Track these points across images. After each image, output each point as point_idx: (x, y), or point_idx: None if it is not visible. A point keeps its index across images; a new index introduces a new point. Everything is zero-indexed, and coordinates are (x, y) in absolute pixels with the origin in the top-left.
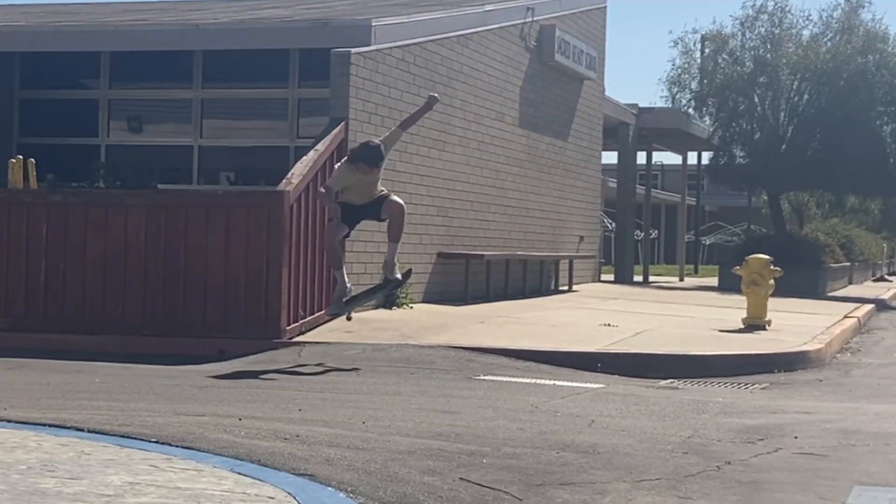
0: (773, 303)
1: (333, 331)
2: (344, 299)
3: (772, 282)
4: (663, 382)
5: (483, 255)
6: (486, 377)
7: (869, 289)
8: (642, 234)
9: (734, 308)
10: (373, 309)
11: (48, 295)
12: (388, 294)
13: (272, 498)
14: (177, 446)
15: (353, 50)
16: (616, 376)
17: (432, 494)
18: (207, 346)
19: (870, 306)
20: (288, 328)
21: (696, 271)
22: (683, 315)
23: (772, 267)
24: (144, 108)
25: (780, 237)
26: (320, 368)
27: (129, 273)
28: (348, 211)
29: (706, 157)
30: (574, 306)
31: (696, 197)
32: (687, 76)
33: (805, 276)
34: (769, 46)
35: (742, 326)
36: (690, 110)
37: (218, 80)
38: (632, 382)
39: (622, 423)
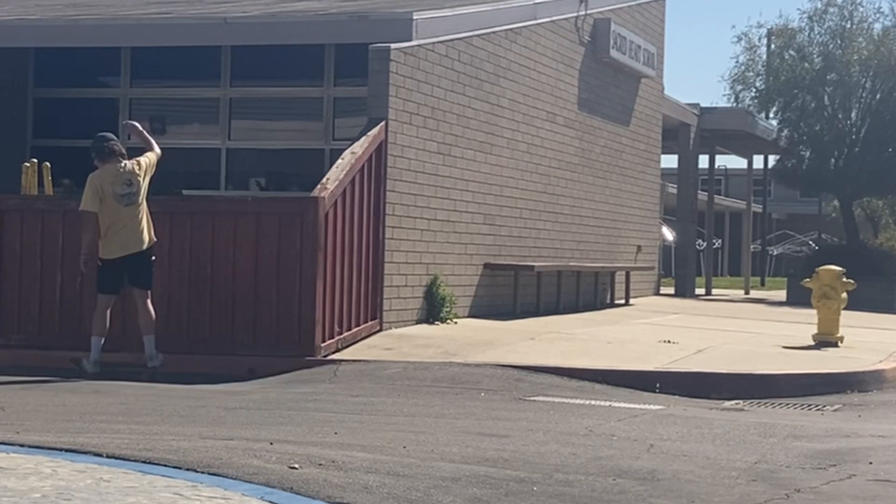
0: (846, 318)
1: (372, 348)
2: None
3: (844, 295)
4: (728, 404)
5: (533, 267)
6: (536, 398)
7: None
8: (705, 244)
9: (803, 323)
10: (414, 325)
11: (64, 309)
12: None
13: None
14: (203, 473)
15: (393, 45)
16: (677, 397)
17: None
18: (236, 364)
19: None
20: (323, 345)
21: (762, 284)
22: (749, 331)
23: (844, 279)
24: (168, 107)
25: (852, 247)
26: (358, 388)
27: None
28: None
29: (773, 160)
30: (631, 321)
31: (763, 204)
32: (751, 73)
33: (880, 289)
34: (839, 41)
35: (812, 343)
36: (755, 110)
37: (247, 77)
38: (693, 404)
39: (683, 447)
